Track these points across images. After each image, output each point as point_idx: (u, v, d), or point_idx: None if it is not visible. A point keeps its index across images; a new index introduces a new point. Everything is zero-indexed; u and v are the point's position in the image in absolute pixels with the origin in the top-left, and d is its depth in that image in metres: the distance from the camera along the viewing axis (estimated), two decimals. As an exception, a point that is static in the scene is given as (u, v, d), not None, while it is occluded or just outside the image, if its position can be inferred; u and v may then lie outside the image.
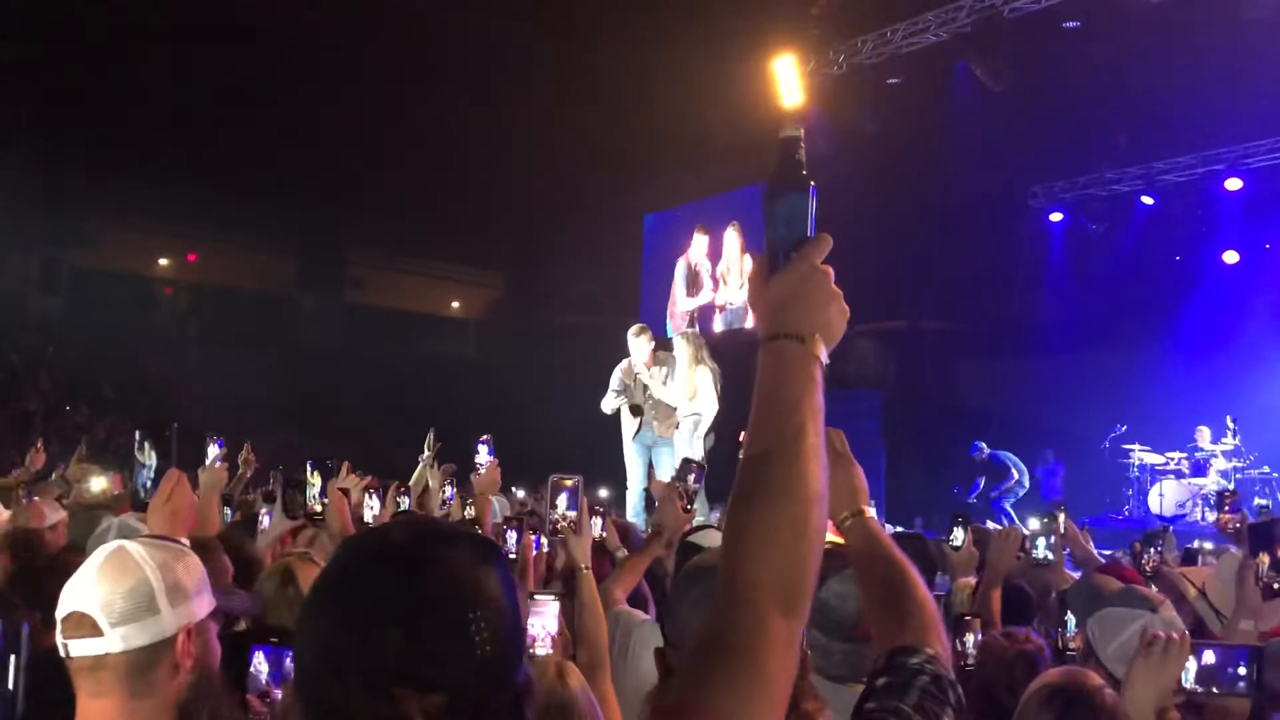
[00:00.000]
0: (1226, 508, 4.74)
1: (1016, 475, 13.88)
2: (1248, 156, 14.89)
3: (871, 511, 1.78)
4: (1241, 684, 2.21)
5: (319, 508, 3.85)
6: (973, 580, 4.26)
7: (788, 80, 13.79)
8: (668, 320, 17.76)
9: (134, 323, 23.28)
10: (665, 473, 8.85)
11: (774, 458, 1.24)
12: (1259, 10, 11.62)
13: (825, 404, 1.63)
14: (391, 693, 1.04)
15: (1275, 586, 2.64)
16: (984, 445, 13.99)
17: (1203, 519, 13.52)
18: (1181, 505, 14.00)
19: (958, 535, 5.02)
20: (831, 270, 1.35)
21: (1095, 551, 5.84)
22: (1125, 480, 14.97)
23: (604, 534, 4.49)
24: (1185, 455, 14.26)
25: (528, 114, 19.84)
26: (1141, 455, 14.75)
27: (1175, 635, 2.16)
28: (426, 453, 6.61)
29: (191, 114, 19.95)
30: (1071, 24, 12.87)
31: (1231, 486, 11.97)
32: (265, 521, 4.40)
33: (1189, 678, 2.23)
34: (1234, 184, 15.13)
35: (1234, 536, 4.40)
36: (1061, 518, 5.30)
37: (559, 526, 3.59)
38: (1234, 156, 15.00)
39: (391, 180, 21.79)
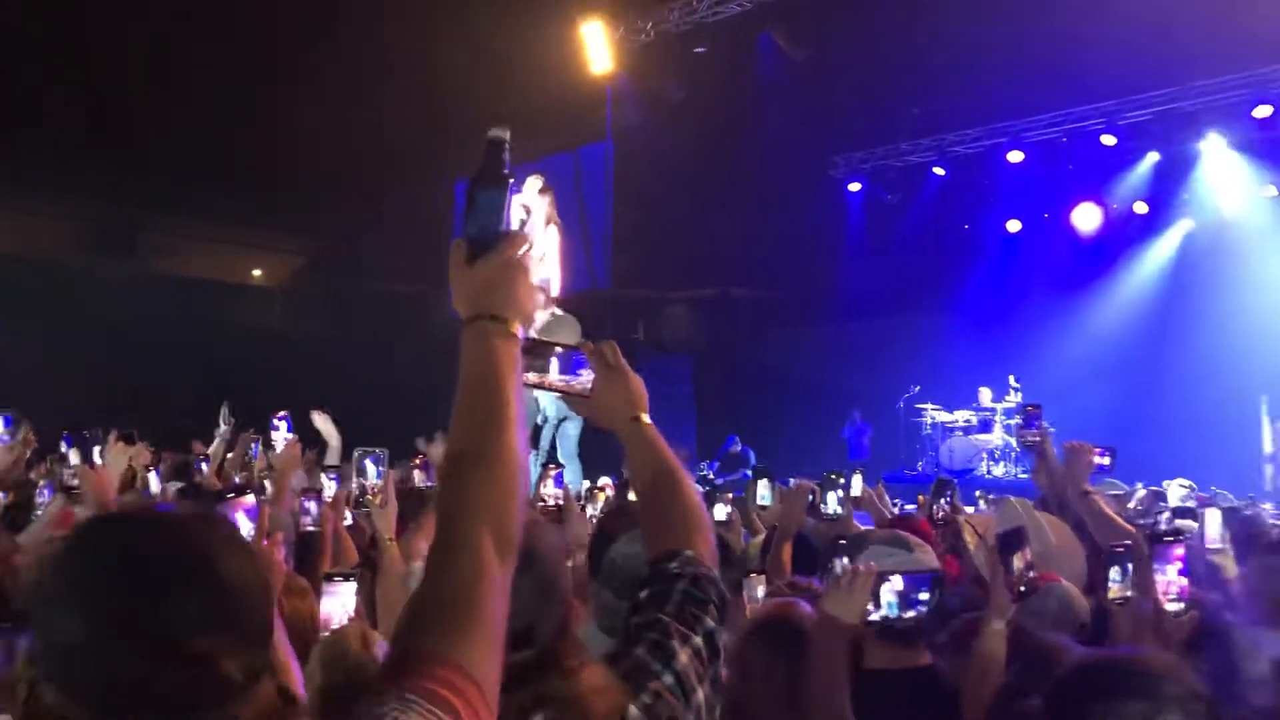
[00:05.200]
0: (1027, 422, 4.80)
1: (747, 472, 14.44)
2: (1027, 130, 15.81)
3: (647, 418, 1.83)
4: (923, 608, 2.35)
5: (75, 482, 3.64)
6: (760, 539, 4.39)
7: (596, 46, 13.76)
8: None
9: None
10: (571, 448, 8.68)
11: (487, 428, 1.34)
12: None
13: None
14: (189, 655, 1.10)
15: (1022, 589, 2.73)
16: (738, 439, 14.65)
17: (988, 473, 14.43)
18: (969, 460, 14.88)
19: (764, 494, 5.09)
20: (530, 265, 1.50)
21: (890, 506, 6.15)
22: (919, 438, 15.80)
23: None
24: (973, 413, 15.14)
25: (333, 76, 19.14)
26: (933, 414, 15.59)
27: (861, 569, 2.31)
28: (223, 426, 6.36)
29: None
30: (869, -3, 13.30)
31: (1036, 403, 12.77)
32: (45, 496, 4.16)
33: (893, 606, 2.36)
34: (1016, 156, 16.03)
35: (1029, 449, 4.50)
36: (857, 479, 5.51)
37: (366, 499, 3.51)
38: (1016, 130, 15.88)
39: (189, 145, 20.66)
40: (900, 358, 16.52)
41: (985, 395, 14.95)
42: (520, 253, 1.48)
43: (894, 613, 2.38)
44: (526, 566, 1.45)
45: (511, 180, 1.48)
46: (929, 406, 15.69)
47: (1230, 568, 3.48)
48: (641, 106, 14.36)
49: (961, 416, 15.32)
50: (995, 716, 2.27)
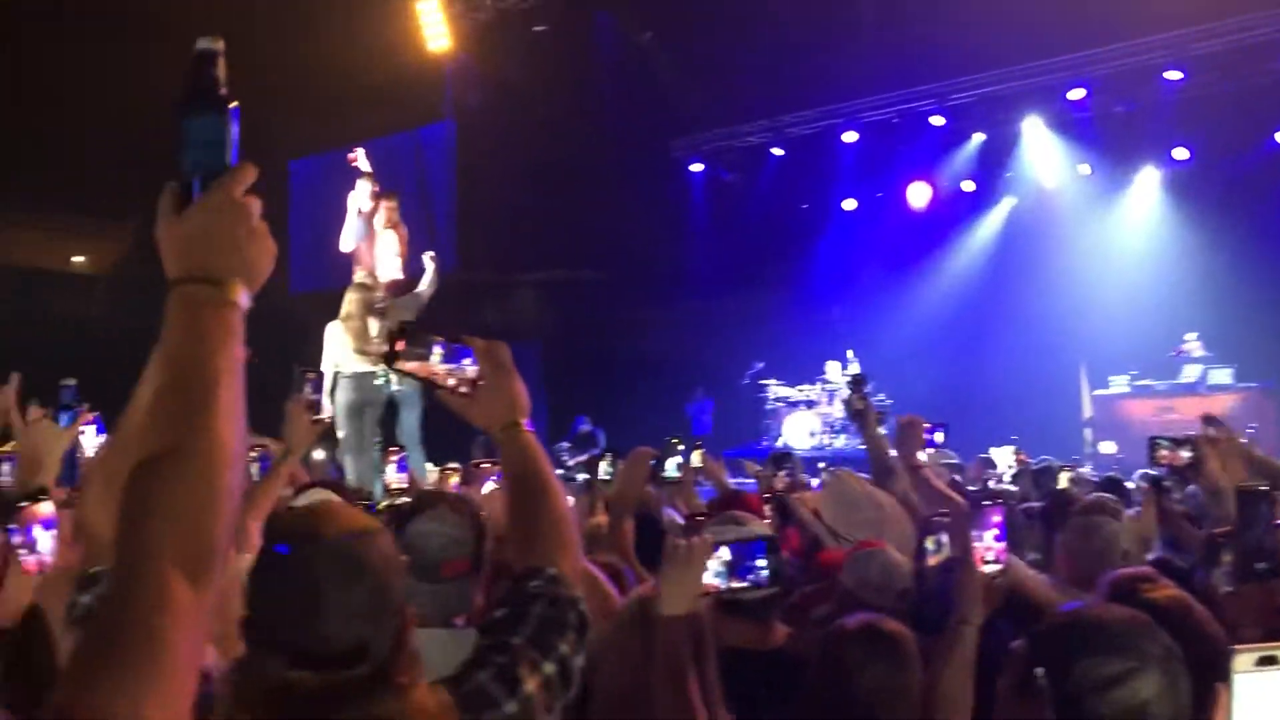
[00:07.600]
0: (855, 390, 4.75)
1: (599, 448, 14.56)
2: (861, 111, 16.21)
3: (527, 425, 1.81)
4: (762, 574, 2.34)
5: None
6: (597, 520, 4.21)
7: (433, 23, 13.47)
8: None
9: None
10: (413, 430, 8.36)
11: (180, 419, 1.10)
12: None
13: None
14: None
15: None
16: (588, 420, 14.75)
17: (830, 445, 14.84)
18: (813, 434, 15.29)
19: (607, 470, 5.08)
20: (257, 203, 1.20)
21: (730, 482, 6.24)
22: (763, 413, 16.12)
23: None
24: (815, 387, 15.53)
25: (151, 52, 18.17)
26: (777, 389, 15.93)
27: (696, 541, 2.26)
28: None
29: None
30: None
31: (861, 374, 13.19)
32: None
33: (723, 576, 2.33)
34: (850, 136, 16.44)
35: (853, 417, 4.42)
36: (696, 454, 5.58)
37: None
38: (850, 111, 16.26)
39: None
40: (744, 335, 16.82)
41: (833, 369, 15.36)
42: (244, 190, 1.19)
43: (724, 582, 2.35)
44: (356, 577, 1.39)
45: (232, 103, 1.20)
46: (772, 382, 16.02)
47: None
48: (482, 86, 14.10)
49: (804, 391, 15.70)
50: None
